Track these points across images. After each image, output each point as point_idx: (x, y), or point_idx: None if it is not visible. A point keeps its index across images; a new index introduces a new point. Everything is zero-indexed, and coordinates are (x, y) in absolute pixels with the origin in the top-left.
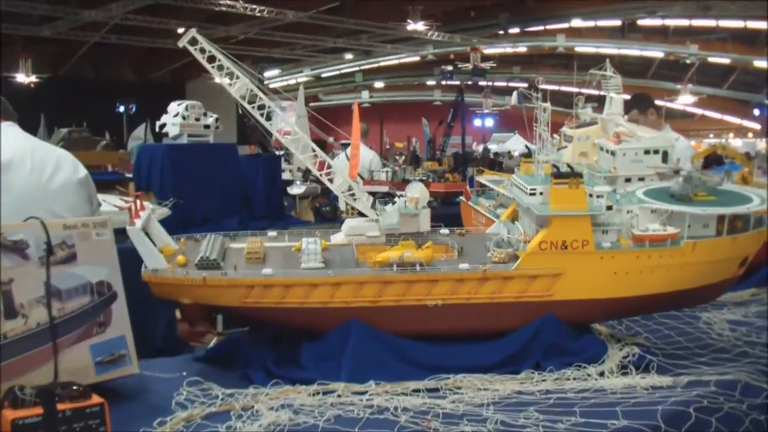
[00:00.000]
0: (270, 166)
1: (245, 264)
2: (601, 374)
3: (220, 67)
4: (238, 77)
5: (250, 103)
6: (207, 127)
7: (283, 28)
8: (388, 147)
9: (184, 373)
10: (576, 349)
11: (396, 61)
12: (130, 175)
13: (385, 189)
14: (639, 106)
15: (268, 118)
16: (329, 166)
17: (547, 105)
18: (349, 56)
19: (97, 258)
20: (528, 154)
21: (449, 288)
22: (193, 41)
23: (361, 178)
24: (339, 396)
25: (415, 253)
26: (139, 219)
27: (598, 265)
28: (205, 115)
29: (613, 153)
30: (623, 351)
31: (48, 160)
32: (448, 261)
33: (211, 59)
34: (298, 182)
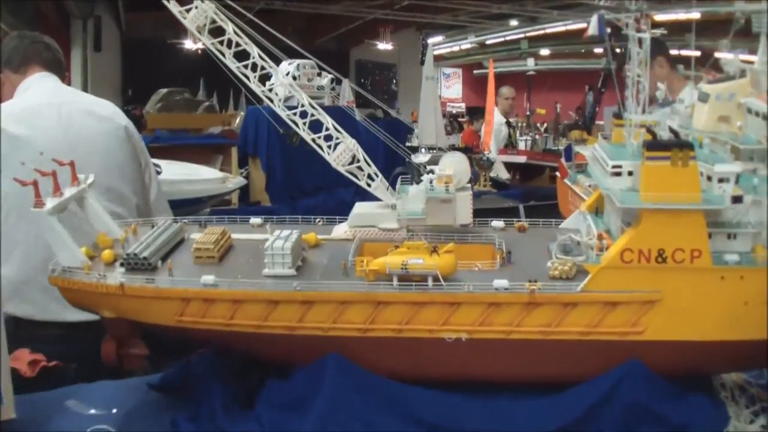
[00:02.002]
0: (392, 131)
1: (193, 265)
2: None
3: None
4: (196, 6)
5: (216, 37)
6: (321, 88)
7: None
8: (528, 114)
9: (114, 411)
10: (674, 417)
11: (562, 28)
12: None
13: (522, 160)
14: None
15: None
16: (326, 129)
17: (646, 36)
18: (514, 23)
19: None
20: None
21: (478, 315)
22: None
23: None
24: None
25: (427, 260)
26: (56, 198)
27: (718, 290)
28: (319, 75)
29: (766, 117)
30: (755, 424)
31: (77, 113)
32: (483, 272)
33: None
34: (423, 149)
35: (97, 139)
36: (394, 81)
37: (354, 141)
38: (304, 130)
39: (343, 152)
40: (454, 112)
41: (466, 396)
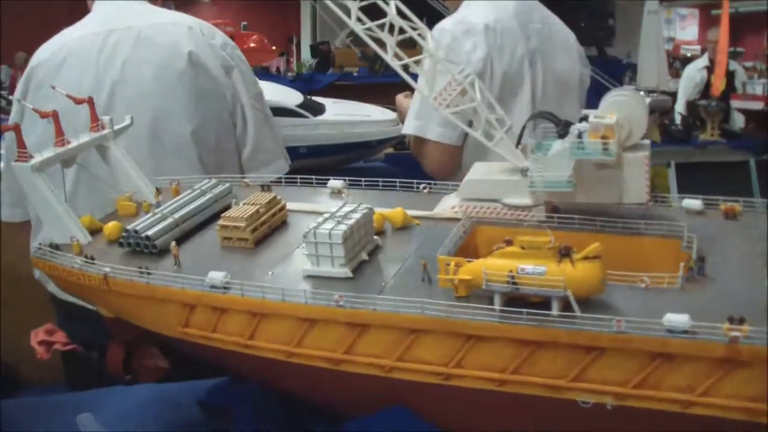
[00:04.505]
0: (609, 72)
1: (219, 251)
2: None
3: None
4: None
5: None
6: None
7: None
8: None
9: None
10: None
11: None
12: None
13: (758, 106)
14: None
15: None
16: (426, 52)
17: None
18: None
19: None
20: None
21: (636, 371)
22: None
23: (728, 91)
24: None
25: (553, 269)
26: (50, 150)
27: None
28: None
29: None
30: None
31: (126, 43)
32: (652, 293)
33: None
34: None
35: (144, 75)
36: (612, 16)
37: (468, 70)
38: (391, 52)
39: (448, 87)
40: (688, 55)
41: None
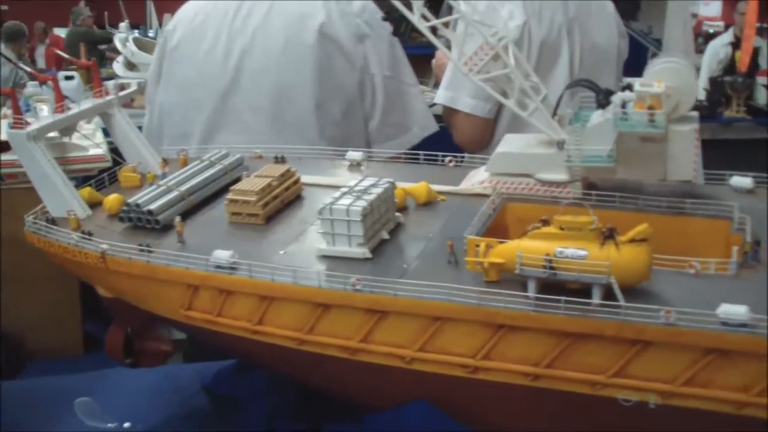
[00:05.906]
0: (630, 51)
1: (227, 227)
2: None
3: None
4: None
5: None
6: None
7: None
8: None
9: (127, 425)
10: None
11: None
12: None
13: None
14: None
15: None
16: (455, 12)
17: None
18: None
19: None
20: None
21: (685, 367)
22: None
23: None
24: None
25: (595, 253)
26: (48, 117)
27: None
28: None
29: None
30: None
31: (259, 13)
32: (703, 280)
33: None
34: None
35: (272, 47)
36: None
37: (502, 33)
38: (418, 13)
39: (479, 51)
40: (711, 31)
41: None
